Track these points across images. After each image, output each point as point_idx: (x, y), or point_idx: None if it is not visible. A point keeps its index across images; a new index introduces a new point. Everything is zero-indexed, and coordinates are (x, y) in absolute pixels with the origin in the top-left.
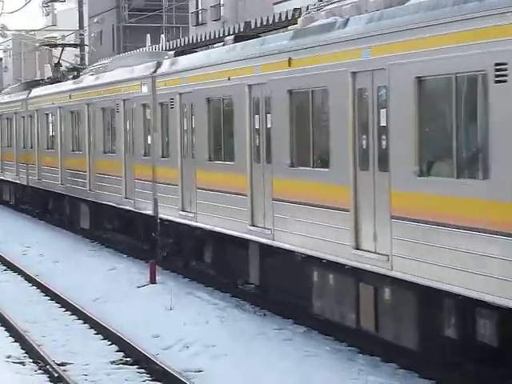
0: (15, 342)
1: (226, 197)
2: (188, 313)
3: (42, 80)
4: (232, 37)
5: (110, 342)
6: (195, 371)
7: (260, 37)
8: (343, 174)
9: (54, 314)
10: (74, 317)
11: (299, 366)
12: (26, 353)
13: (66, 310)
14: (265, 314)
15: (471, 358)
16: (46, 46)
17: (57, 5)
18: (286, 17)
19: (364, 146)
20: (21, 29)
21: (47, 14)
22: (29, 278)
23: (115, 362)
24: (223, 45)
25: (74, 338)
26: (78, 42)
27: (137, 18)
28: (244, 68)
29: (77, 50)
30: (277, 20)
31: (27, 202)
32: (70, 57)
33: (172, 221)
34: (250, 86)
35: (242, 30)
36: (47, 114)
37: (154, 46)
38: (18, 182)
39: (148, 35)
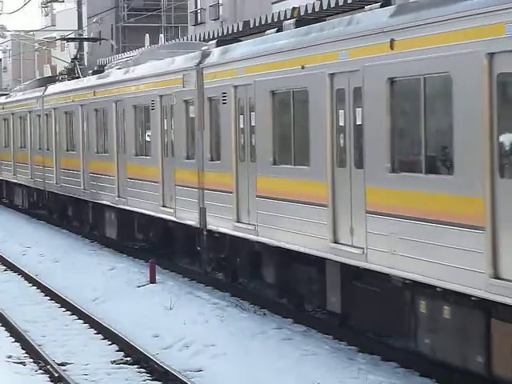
0: (15, 342)
1: (298, 207)
2: (188, 312)
3: (58, 76)
4: (293, 21)
5: (110, 342)
6: (195, 370)
7: (325, 20)
8: (475, 183)
9: (54, 314)
10: (74, 316)
11: (298, 365)
12: (26, 353)
13: (66, 310)
14: (264, 314)
15: None
16: (64, 40)
17: (56, 5)
18: (285, 16)
19: (507, 147)
20: (20, 29)
21: (46, 15)
22: (29, 278)
23: (115, 361)
24: (277, 31)
25: (74, 338)
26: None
27: (136, 18)
28: (324, 54)
29: (75, 51)
30: (276, 19)
31: (43, 208)
32: (68, 57)
33: (223, 233)
34: (332, 74)
35: (240, 29)
36: (67, 113)
37: (153, 46)
38: (33, 186)
39: (147, 35)
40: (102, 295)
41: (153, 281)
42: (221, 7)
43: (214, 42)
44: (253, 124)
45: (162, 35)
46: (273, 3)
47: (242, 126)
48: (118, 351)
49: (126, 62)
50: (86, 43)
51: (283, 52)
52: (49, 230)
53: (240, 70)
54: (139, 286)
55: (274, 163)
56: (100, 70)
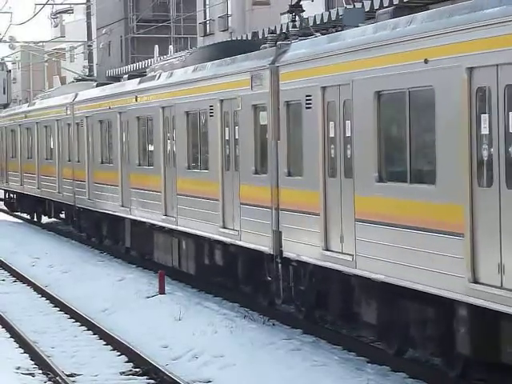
0: (24, 353)
1: None
2: (197, 323)
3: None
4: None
5: (119, 353)
6: (204, 381)
7: None
8: None
9: (63, 325)
10: (83, 327)
11: (307, 375)
12: (35, 364)
13: (75, 321)
14: (274, 324)
15: None
16: None
17: (65, 16)
18: (294, 26)
19: None
20: (29, 40)
21: (56, 26)
22: (38, 289)
23: (124, 372)
24: None
25: (84, 349)
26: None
27: (145, 30)
28: None
29: (85, 62)
30: (284, 29)
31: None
32: (78, 68)
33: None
34: None
35: (249, 39)
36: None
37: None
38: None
39: (156, 46)
40: (111, 306)
41: (162, 291)
42: (229, 18)
43: None
44: None
45: (171, 46)
46: (281, 14)
47: None
48: (127, 362)
49: None
50: (95, 54)
51: None
52: (58, 241)
53: None
54: (148, 297)
55: None
56: None
